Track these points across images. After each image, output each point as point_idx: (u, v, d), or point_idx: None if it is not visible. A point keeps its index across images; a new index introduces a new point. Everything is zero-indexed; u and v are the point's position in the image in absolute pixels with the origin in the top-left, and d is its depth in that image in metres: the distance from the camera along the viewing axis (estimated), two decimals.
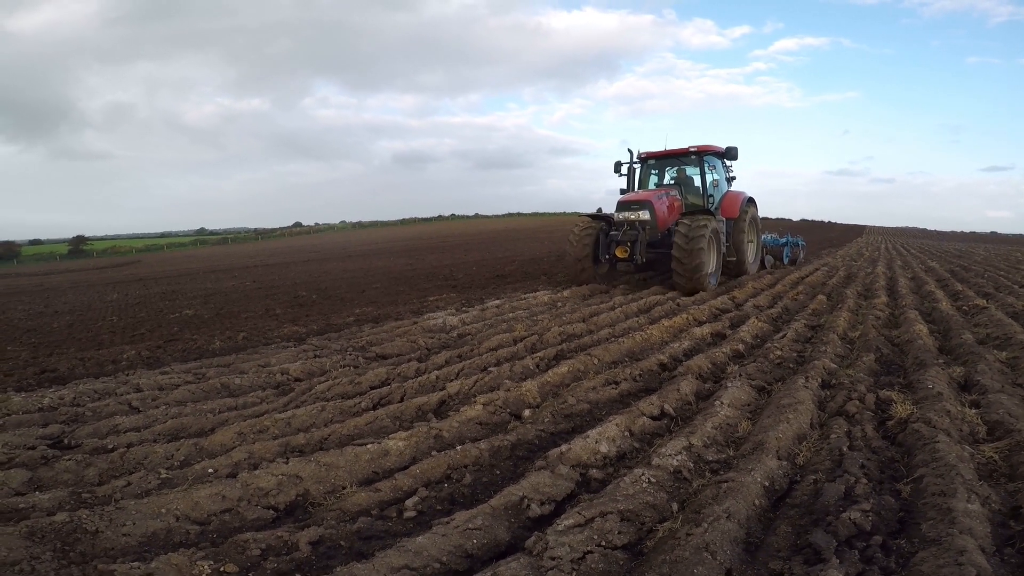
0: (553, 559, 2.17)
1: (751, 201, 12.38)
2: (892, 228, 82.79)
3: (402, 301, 10.37)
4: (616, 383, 4.72)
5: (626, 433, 3.59)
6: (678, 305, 8.69)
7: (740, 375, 4.71)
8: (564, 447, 3.30)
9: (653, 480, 2.78)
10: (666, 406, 4.05)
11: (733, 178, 12.51)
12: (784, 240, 16.28)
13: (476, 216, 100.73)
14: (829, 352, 5.41)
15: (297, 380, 5.29)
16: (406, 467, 3.20)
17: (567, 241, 11.47)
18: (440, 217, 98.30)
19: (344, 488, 3.01)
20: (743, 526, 2.43)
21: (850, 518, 2.40)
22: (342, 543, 2.47)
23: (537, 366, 5.38)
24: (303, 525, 2.62)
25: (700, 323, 7.24)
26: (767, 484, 2.80)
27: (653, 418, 3.88)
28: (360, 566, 2.15)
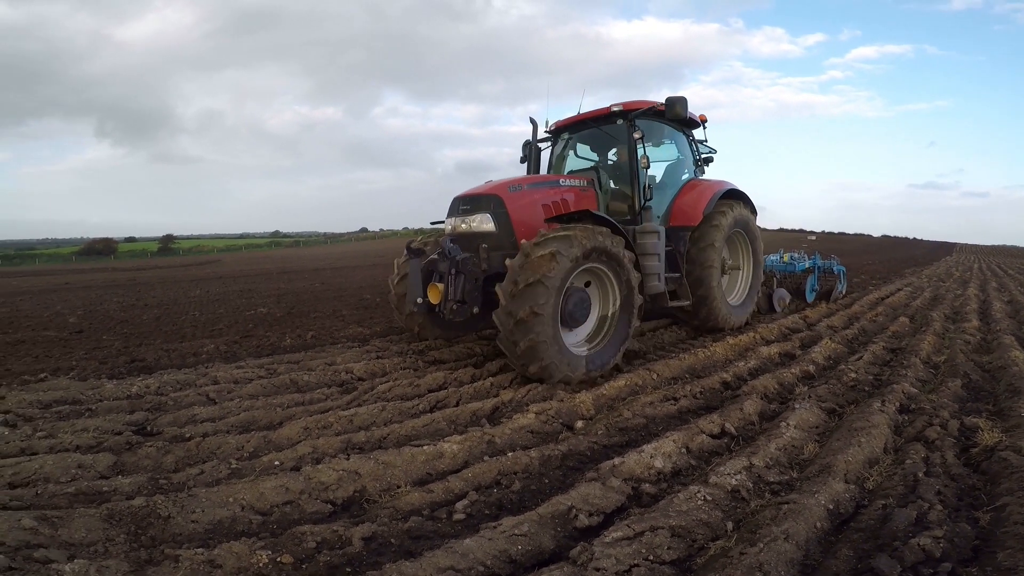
0: (598, 570, 2.14)
1: (737, 198, 7.64)
2: (986, 246, 76.49)
3: None
4: (675, 399, 4.61)
5: (683, 450, 3.49)
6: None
7: (809, 396, 4.48)
8: (617, 460, 3.25)
9: (708, 498, 2.69)
10: (727, 425, 3.91)
11: (708, 160, 7.87)
12: (808, 263, 10.50)
13: None
14: (910, 376, 5.06)
15: (360, 379, 5.46)
16: (458, 470, 3.25)
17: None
18: None
19: (399, 487, 3.08)
20: (801, 548, 2.31)
21: (919, 544, 2.24)
22: (393, 540, 2.53)
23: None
24: (358, 521, 2.70)
25: (768, 342, 6.94)
26: (831, 507, 2.64)
27: (713, 436, 3.75)
28: (408, 564, 2.19)
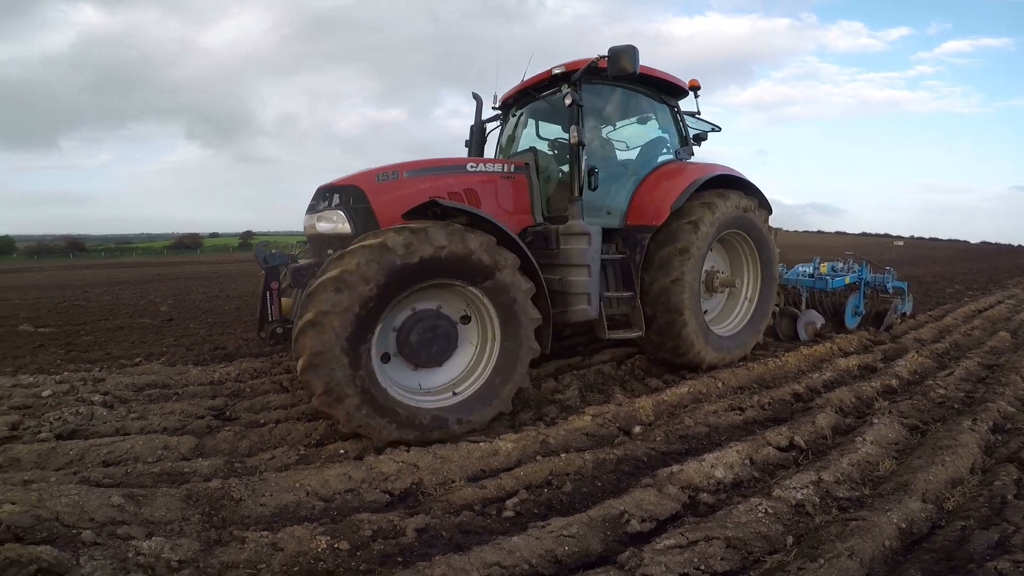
0: None
1: (729, 185, 5.70)
2: None
3: None
4: (741, 409, 4.43)
5: (746, 461, 3.35)
6: None
7: (890, 412, 4.19)
8: (675, 467, 3.16)
9: (770, 511, 2.57)
10: (796, 438, 3.72)
11: (700, 137, 6.21)
12: (852, 278, 7.86)
13: None
14: (1008, 394, 4.62)
15: None
16: (511, 468, 3.27)
17: None
18: None
19: (453, 481, 3.14)
20: (865, 566, 2.17)
21: (996, 567, 2.06)
22: (444, 534, 2.58)
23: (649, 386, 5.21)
24: (412, 512, 2.76)
25: (846, 354, 6.52)
26: (903, 526, 2.47)
27: (780, 449, 3.57)
28: (456, 557, 2.23)
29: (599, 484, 3.17)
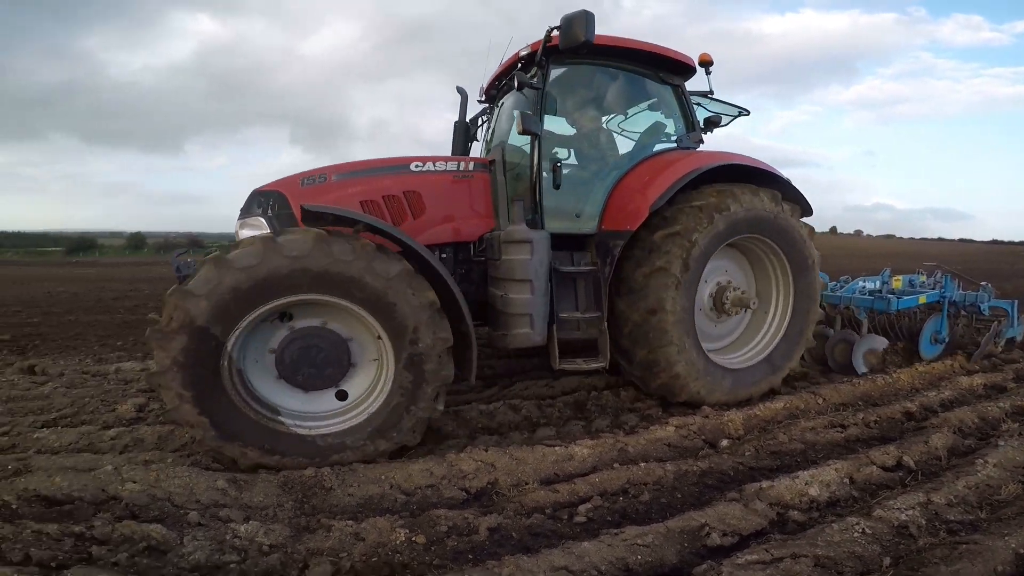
0: None
1: (747, 179, 4.65)
2: None
3: None
4: (843, 427, 4.11)
5: (846, 480, 3.09)
6: None
7: (1020, 434, 3.72)
8: (765, 483, 2.99)
9: (868, 531, 2.36)
10: (905, 458, 3.38)
11: (713, 122, 5.23)
12: (930, 296, 6.14)
13: None
14: None
15: (499, 376, 5.62)
16: (585, 474, 3.21)
17: None
18: None
19: (527, 484, 3.13)
20: None
21: None
22: (514, 534, 2.58)
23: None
24: (486, 511, 2.79)
25: (969, 372, 5.85)
26: (1022, 552, 2.16)
27: (885, 469, 3.27)
28: (525, 559, 2.22)
29: (679, 496, 3.05)
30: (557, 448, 3.44)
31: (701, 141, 5.01)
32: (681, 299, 4.17)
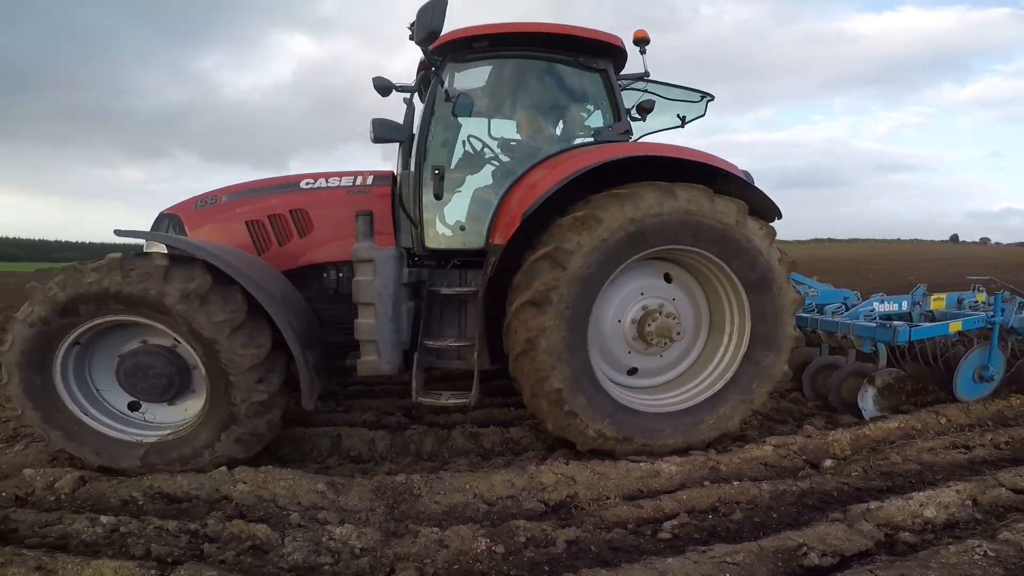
0: None
1: (691, 176, 3.62)
2: None
3: None
4: (967, 448, 3.73)
5: (967, 502, 2.78)
6: None
7: None
8: (873, 504, 2.77)
9: (990, 554, 2.11)
10: None
11: (645, 109, 4.46)
12: (971, 323, 4.80)
13: None
14: None
15: None
16: (672, 491, 3.10)
17: None
18: None
19: (608, 498, 3.07)
20: None
21: None
22: (593, 548, 2.54)
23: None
24: (565, 524, 2.77)
25: None
26: None
27: (1016, 491, 2.90)
28: (603, 572, 2.19)
29: (775, 515, 2.86)
30: (643, 464, 3.35)
31: (628, 132, 4.29)
32: (562, 333, 3.40)
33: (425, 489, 3.10)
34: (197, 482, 3.13)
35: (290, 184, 4.21)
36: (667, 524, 2.74)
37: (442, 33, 3.49)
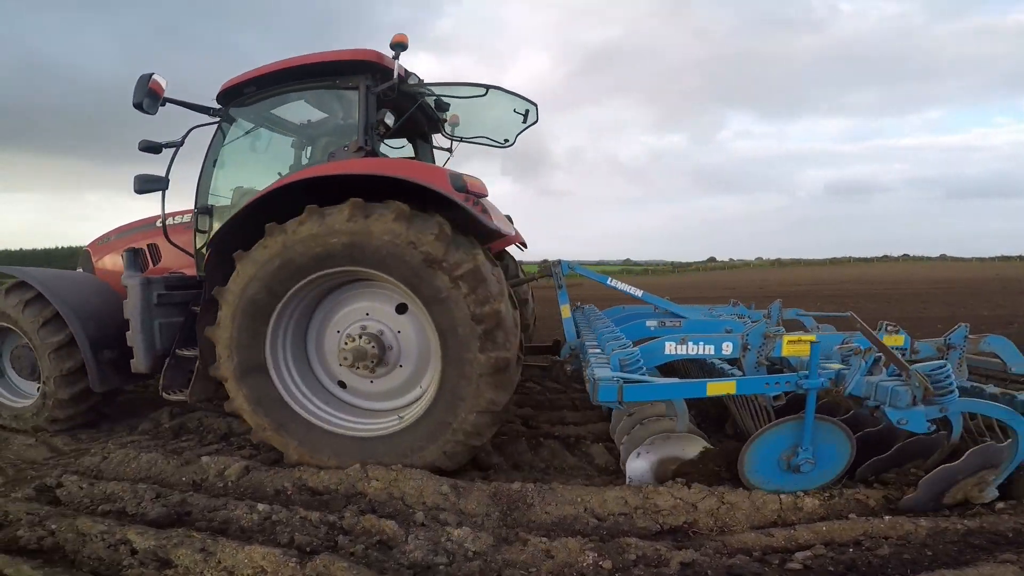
0: None
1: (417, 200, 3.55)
2: None
3: None
4: None
5: None
6: None
7: None
8: None
9: None
10: None
11: (441, 107, 4.91)
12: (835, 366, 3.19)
13: (942, 258, 77.49)
14: None
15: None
16: (811, 523, 2.82)
17: None
18: (886, 257, 77.52)
19: (734, 527, 2.86)
20: None
21: None
22: (710, 572, 2.38)
23: None
24: (680, 546, 2.63)
25: None
26: None
27: None
28: None
29: (929, 553, 2.49)
30: (782, 497, 3.00)
31: (361, 149, 4.19)
32: (240, 357, 3.68)
33: (538, 499, 3.13)
34: (336, 478, 3.43)
35: (150, 223, 5.29)
36: (799, 555, 2.50)
37: (142, 104, 4.17)
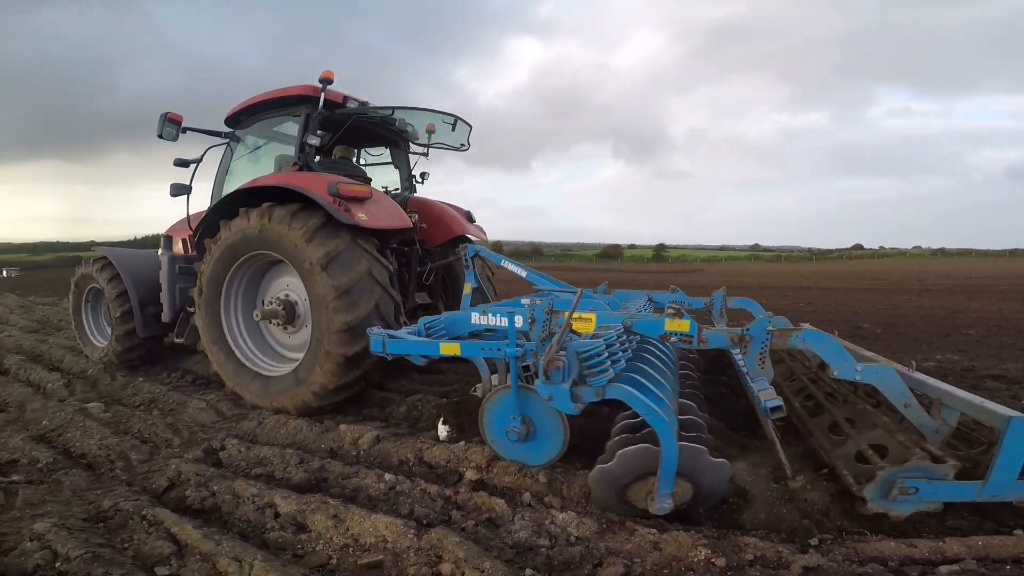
0: None
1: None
2: None
3: (1008, 357, 7.33)
4: None
5: None
6: None
7: None
8: None
9: None
10: None
11: (316, 144, 5.47)
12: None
13: None
14: None
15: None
16: (964, 536, 2.49)
17: None
18: None
19: (867, 534, 2.61)
20: None
21: None
22: None
23: None
24: (805, 549, 2.44)
25: None
26: None
27: None
28: None
29: None
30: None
31: (295, 164, 5.36)
32: (206, 313, 5.23)
33: None
34: (451, 452, 3.55)
35: (184, 219, 6.37)
36: (944, 568, 2.22)
37: (163, 134, 5.56)
